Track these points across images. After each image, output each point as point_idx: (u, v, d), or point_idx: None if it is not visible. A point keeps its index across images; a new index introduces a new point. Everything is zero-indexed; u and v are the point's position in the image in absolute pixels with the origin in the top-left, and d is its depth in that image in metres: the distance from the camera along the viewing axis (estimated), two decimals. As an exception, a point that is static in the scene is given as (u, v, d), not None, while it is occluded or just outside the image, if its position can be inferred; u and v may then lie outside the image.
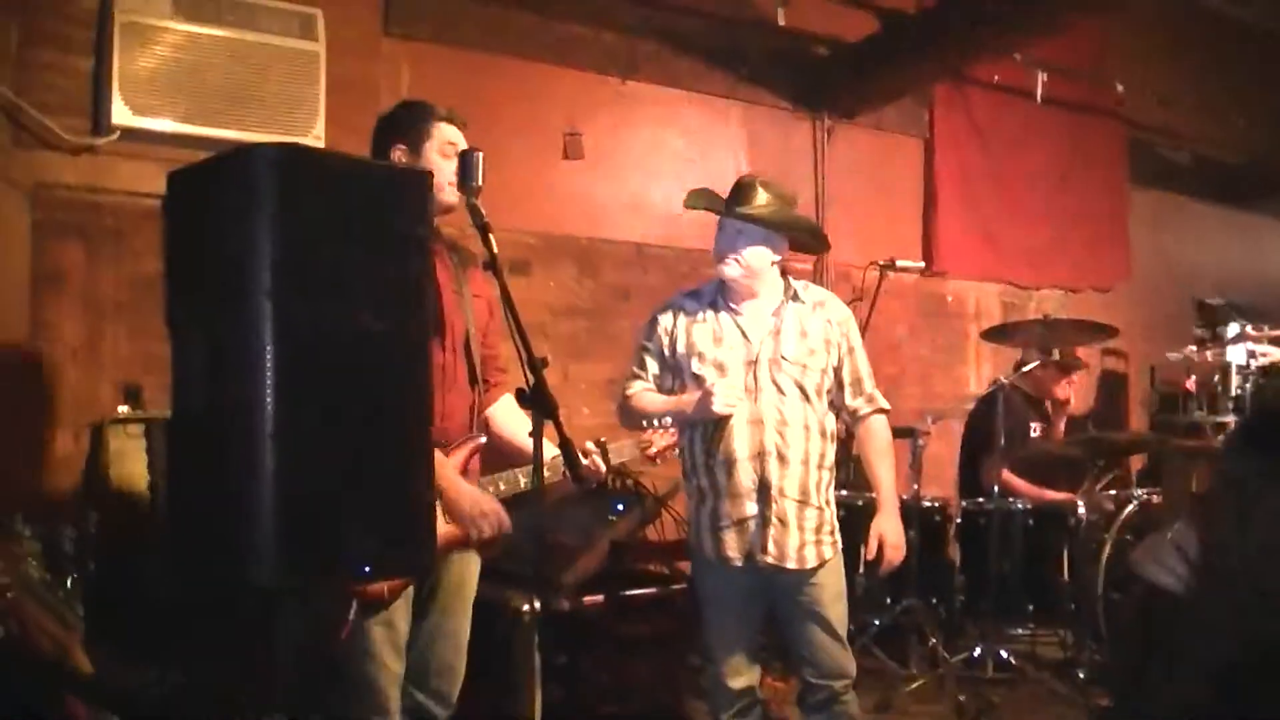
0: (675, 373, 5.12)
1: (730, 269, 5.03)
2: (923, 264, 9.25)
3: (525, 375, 3.64)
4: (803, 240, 5.25)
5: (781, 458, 4.90)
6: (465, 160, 3.97)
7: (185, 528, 3.08)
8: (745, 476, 4.90)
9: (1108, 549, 7.28)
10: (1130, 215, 11.70)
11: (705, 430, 4.96)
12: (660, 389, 5.15)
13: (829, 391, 5.11)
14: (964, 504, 7.78)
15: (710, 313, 5.10)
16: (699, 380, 4.99)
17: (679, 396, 5.06)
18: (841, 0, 9.20)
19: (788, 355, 4.99)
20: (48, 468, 6.27)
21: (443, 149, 4.34)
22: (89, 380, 6.40)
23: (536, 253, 8.01)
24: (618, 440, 4.80)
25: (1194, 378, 9.42)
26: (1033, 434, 8.16)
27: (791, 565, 4.89)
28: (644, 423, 5.06)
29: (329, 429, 2.87)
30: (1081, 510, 7.38)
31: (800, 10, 9.06)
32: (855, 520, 5.94)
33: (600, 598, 6.44)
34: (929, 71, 9.49)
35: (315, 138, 6.76)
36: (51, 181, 6.36)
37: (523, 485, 4.24)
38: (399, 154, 4.36)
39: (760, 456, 4.90)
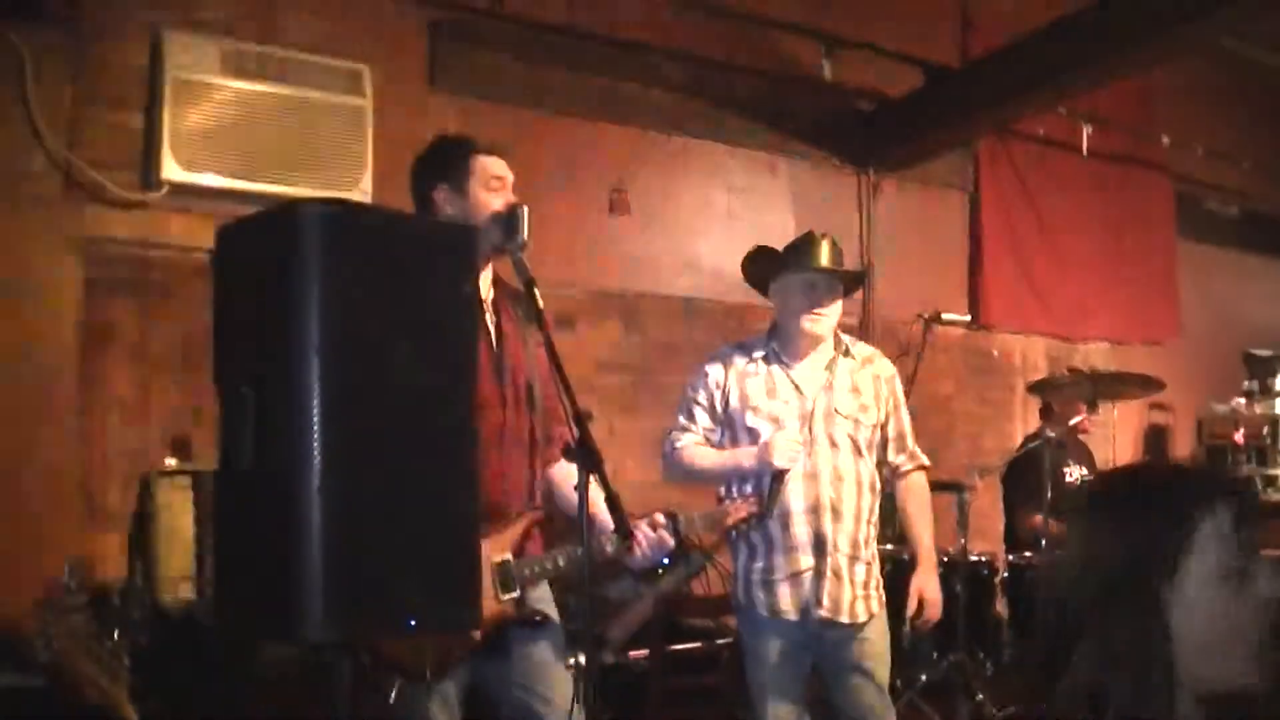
0: (726, 426, 5.08)
1: (822, 325, 5.03)
2: (969, 317, 9.24)
3: (570, 429, 3.64)
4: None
5: (836, 512, 4.89)
6: (511, 215, 3.94)
7: (232, 581, 3.09)
8: (801, 530, 4.87)
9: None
10: (1179, 267, 11.65)
11: (759, 484, 4.92)
12: (709, 442, 5.11)
13: (876, 446, 5.11)
14: (1010, 558, 7.74)
15: (762, 366, 5.08)
16: (753, 434, 4.97)
17: (734, 450, 5.02)
18: (886, 55, 9.23)
19: (842, 410, 4.99)
20: (96, 519, 6.30)
21: (488, 183, 4.14)
22: (137, 433, 6.45)
23: (582, 308, 8.03)
24: (688, 509, 4.66)
25: (1242, 430, 9.38)
26: (1069, 477, 8.12)
27: (844, 619, 4.87)
28: (694, 478, 5.07)
29: (376, 485, 2.87)
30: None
31: (845, 65, 9.10)
32: (903, 575, 5.90)
33: (646, 652, 6.43)
34: (974, 125, 9.50)
35: (362, 192, 6.81)
36: (103, 236, 6.43)
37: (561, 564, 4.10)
38: (442, 195, 4.17)
39: (816, 510, 4.87)
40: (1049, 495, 7.35)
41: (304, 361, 2.79)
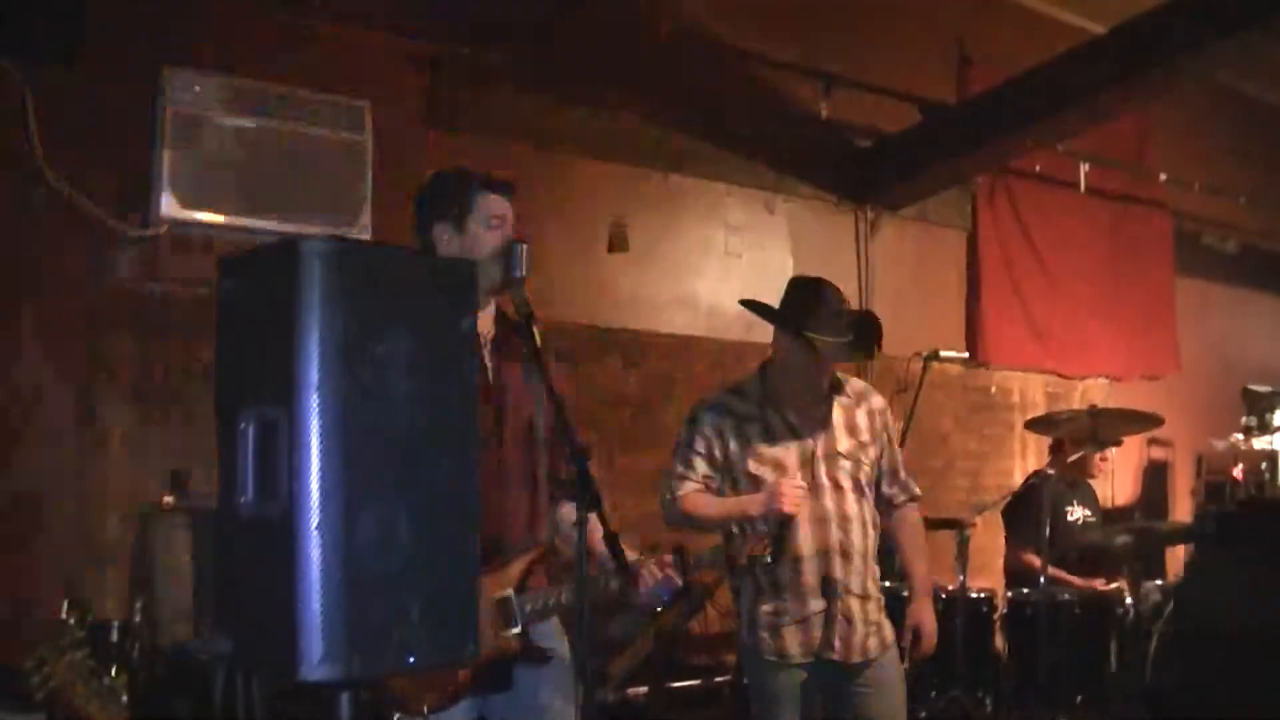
0: (726, 473, 5.01)
1: (824, 385, 5.02)
2: (967, 354, 9.25)
3: (569, 465, 3.63)
4: None
5: (845, 554, 4.85)
6: (511, 251, 3.92)
7: (231, 618, 3.09)
8: (810, 574, 4.82)
9: (1155, 640, 7.20)
10: (1177, 304, 11.67)
11: (766, 529, 4.79)
12: (708, 489, 5.02)
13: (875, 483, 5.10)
14: (1010, 594, 7.74)
15: (757, 410, 5.02)
16: (755, 480, 4.90)
17: (739, 497, 4.94)
18: (883, 93, 9.26)
19: (842, 450, 4.95)
20: (95, 556, 6.30)
21: (488, 221, 4.12)
22: (137, 468, 6.44)
23: (582, 344, 8.03)
24: (692, 544, 4.63)
25: (1241, 466, 9.39)
26: (1070, 517, 8.14)
27: (855, 659, 4.85)
28: (701, 525, 5.01)
29: (375, 521, 2.87)
30: (1129, 601, 7.32)
31: (842, 103, 9.13)
32: (901, 610, 5.89)
33: (645, 689, 6.42)
34: (971, 162, 9.51)
35: (362, 228, 6.81)
36: (103, 272, 6.43)
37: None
38: (441, 232, 4.15)
39: (824, 553, 4.83)
40: (1048, 534, 7.34)
41: (303, 398, 2.79)
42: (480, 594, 3.45)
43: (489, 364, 4.15)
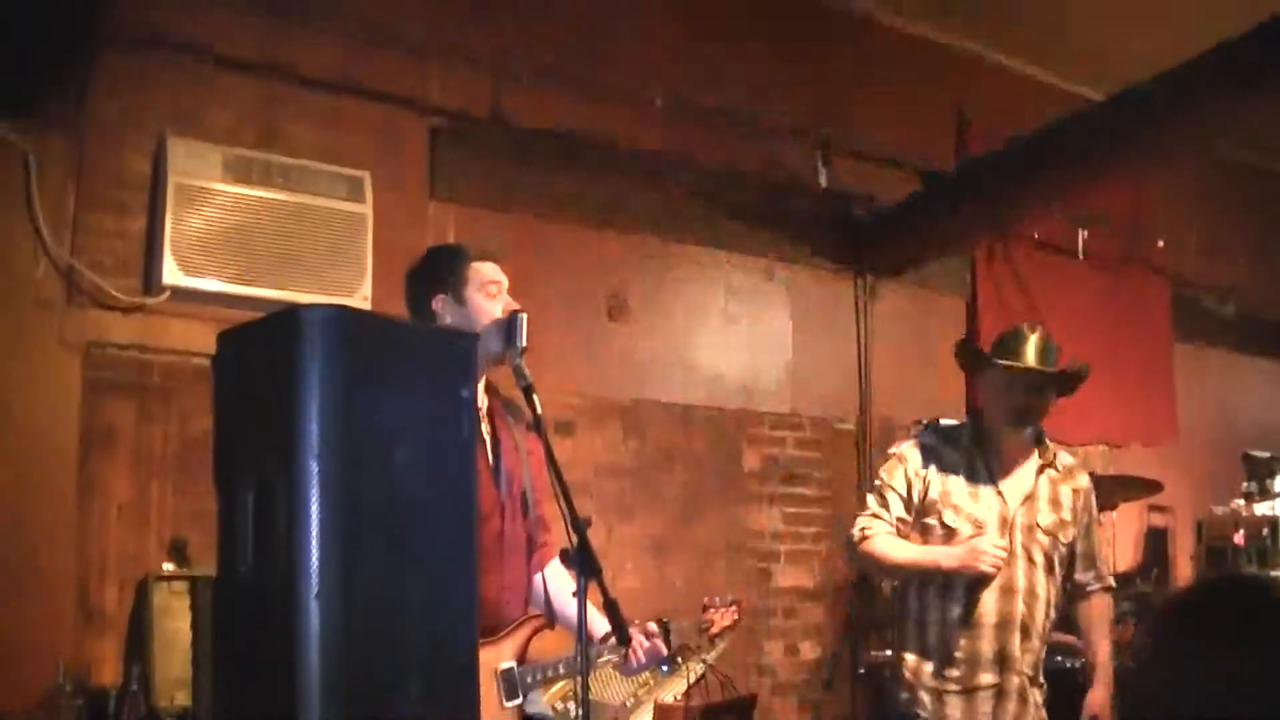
0: (918, 518, 4.93)
1: (1021, 428, 5.00)
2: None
3: (569, 535, 3.63)
4: None
5: (1025, 630, 4.79)
6: (510, 322, 3.96)
7: (230, 687, 3.08)
8: (987, 644, 4.77)
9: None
10: (1176, 369, 11.65)
11: (949, 587, 4.82)
12: (899, 533, 4.92)
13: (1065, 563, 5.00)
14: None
15: (963, 456, 4.96)
16: (950, 533, 4.84)
17: (932, 547, 4.85)
18: (880, 160, 9.28)
19: (1043, 524, 4.89)
20: (93, 623, 6.27)
21: (485, 289, 4.16)
22: (135, 536, 6.43)
23: (581, 413, 8.01)
24: (677, 617, 4.61)
25: (1242, 531, 9.35)
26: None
27: None
28: (881, 570, 4.95)
29: (374, 591, 2.87)
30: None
31: (840, 171, 9.14)
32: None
33: (646, 759, 6.38)
34: (969, 229, 9.51)
35: (362, 298, 6.82)
36: (103, 340, 6.44)
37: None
38: (440, 304, 4.18)
39: (1005, 626, 4.77)
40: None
41: (303, 467, 2.80)
42: (483, 665, 3.46)
43: (486, 435, 4.17)
